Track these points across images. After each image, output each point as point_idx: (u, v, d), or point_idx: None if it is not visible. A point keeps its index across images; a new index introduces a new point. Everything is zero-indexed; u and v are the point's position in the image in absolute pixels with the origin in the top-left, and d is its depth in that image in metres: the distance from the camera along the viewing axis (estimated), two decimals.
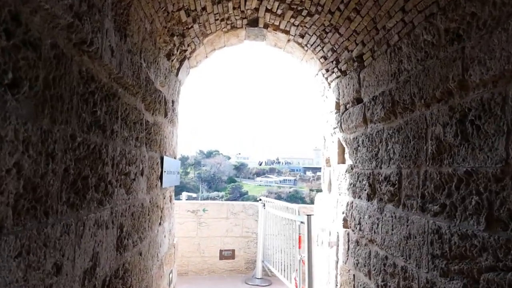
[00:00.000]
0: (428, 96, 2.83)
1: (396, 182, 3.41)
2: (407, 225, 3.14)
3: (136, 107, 3.25)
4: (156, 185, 4.31)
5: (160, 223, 4.75)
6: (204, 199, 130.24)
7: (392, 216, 3.47)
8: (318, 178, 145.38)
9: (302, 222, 5.53)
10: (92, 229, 2.22)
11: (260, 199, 8.28)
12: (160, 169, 4.52)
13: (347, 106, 4.97)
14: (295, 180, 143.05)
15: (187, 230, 8.19)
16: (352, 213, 4.59)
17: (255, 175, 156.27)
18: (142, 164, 3.50)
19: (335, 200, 5.36)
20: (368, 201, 4.12)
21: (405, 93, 3.22)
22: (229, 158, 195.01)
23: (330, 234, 5.47)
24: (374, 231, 3.89)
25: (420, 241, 2.92)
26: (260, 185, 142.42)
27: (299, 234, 5.78)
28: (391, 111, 3.52)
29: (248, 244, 8.46)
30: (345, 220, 4.89)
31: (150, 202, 3.98)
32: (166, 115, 4.76)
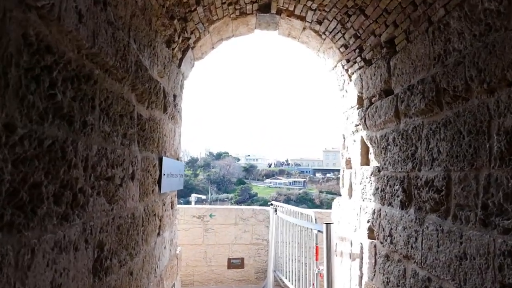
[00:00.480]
0: (494, 79, 2.19)
1: (443, 188, 2.76)
2: (461, 242, 2.50)
3: (123, 97, 2.65)
4: (152, 190, 3.72)
5: (158, 234, 4.15)
6: (213, 201, 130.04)
7: (437, 230, 2.83)
8: (328, 180, 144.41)
9: (319, 231, 4.90)
10: (49, 255, 1.62)
11: (271, 204, 7.66)
12: (158, 172, 3.93)
13: (373, 100, 4.34)
14: (304, 182, 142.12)
15: (192, 237, 7.59)
16: (380, 222, 3.95)
17: (264, 177, 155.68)
18: (132, 167, 2.91)
19: (357, 206, 4.72)
20: (402, 209, 3.47)
21: (456, 78, 2.58)
22: (238, 159, 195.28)
23: (351, 245, 4.83)
24: (411, 246, 3.25)
25: (481, 264, 2.28)
26: (269, 186, 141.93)
27: (316, 244, 5.14)
28: (435, 101, 2.88)
29: (259, 252, 7.84)
30: (370, 229, 4.26)
31: (144, 210, 3.38)
32: (165, 110, 4.17)
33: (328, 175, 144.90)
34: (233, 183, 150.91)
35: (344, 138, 5.54)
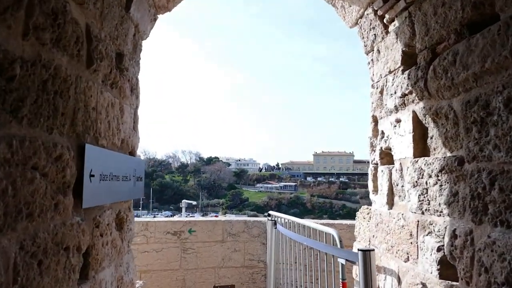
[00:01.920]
0: None
1: None
2: None
3: None
4: (55, 205, 1.94)
5: (85, 276, 2.38)
6: (204, 206, 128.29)
7: None
8: (319, 184, 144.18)
9: (348, 261, 3.15)
10: None
11: (269, 214, 5.90)
12: (73, 171, 2.14)
13: (441, 48, 2.60)
14: (295, 185, 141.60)
15: (166, 260, 5.79)
16: (474, 254, 2.20)
17: (255, 182, 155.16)
18: None
19: (411, 222, 2.98)
20: None
21: None
22: (229, 164, 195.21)
23: (400, 283, 3.08)
24: None
25: None
26: (260, 191, 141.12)
27: (343, 280, 3.37)
28: None
29: (253, 278, 6.06)
30: (445, 263, 2.51)
31: (22, 248, 1.60)
32: (90, 64, 2.40)
33: (319, 178, 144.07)
34: (224, 188, 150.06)
35: (377, 120, 3.81)
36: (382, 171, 3.60)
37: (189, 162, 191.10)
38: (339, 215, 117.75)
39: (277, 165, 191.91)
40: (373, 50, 3.82)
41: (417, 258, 2.84)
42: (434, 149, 2.78)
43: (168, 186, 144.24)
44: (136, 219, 6.07)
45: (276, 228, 5.33)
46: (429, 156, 2.85)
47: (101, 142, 2.70)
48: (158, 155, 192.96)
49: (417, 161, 2.92)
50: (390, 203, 3.42)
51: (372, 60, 3.89)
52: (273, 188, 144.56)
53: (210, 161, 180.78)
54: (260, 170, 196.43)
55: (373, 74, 3.87)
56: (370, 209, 3.95)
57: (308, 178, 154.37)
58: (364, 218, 4.05)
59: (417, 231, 2.86)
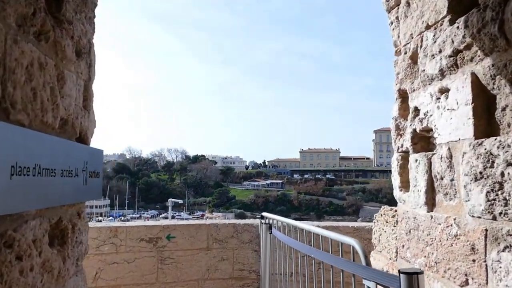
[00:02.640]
0: None
1: None
2: None
3: None
4: None
5: None
6: (191, 205, 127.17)
7: None
8: (306, 181, 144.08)
9: (380, 285, 2.25)
10: None
11: (262, 217, 4.97)
12: None
13: None
14: (282, 183, 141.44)
15: (140, 272, 4.84)
16: None
17: (242, 179, 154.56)
18: None
19: (472, 230, 2.09)
20: None
21: None
22: (215, 162, 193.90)
23: None
24: None
25: None
26: (247, 189, 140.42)
27: None
28: None
29: None
30: None
31: None
32: None
33: (306, 175, 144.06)
34: (210, 187, 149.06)
35: (406, 95, 2.92)
36: (416, 160, 2.71)
37: (175, 161, 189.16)
38: (326, 212, 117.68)
39: (264, 162, 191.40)
40: (399, 4, 2.93)
41: (486, 283, 1.96)
42: (509, 125, 1.90)
43: (154, 185, 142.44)
44: (102, 224, 5.08)
45: (271, 233, 4.42)
46: (498, 135, 1.97)
47: (16, 117, 1.75)
48: (144, 154, 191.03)
49: (481, 144, 2.03)
50: (431, 204, 2.53)
51: (397, 18, 3.00)
52: (260, 185, 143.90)
53: (196, 159, 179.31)
54: (247, 167, 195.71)
55: (399, 36, 2.98)
56: (396, 210, 3.07)
57: (295, 175, 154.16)
58: (387, 222, 3.16)
59: (485, 245, 1.98)
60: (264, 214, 4.90)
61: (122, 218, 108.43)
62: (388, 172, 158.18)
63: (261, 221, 4.90)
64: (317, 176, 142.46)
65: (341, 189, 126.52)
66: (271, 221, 4.52)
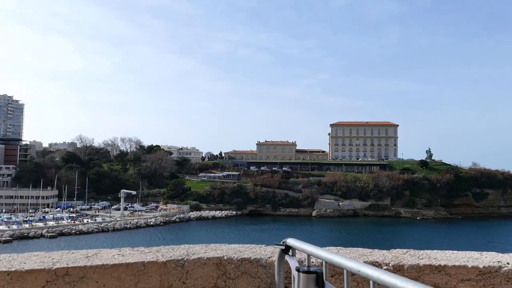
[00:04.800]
0: None
1: None
2: None
3: None
4: None
5: None
6: (144, 196, 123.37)
7: None
8: (263, 173, 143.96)
9: None
10: None
11: (287, 248, 2.11)
12: None
13: None
14: (239, 175, 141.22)
15: None
16: None
17: (198, 171, 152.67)
18: None
19: None
20: None
21: None
22: (171, 153, 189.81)
23: None
24: None
25: None
26: (203, 180, 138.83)
27: None
28: None
29: None
30: None
31: None
32: None
33: (262, 168, 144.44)
34: (165, 178, 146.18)
35: None
36: None
37: (129, 150, 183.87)
38: (282, 204, 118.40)
39: (220, 154, 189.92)
40: None
41: None
42: None
43: (106, 175, 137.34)
44: None
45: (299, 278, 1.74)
46: None
47: None
48: (96, 143, 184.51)
49: None
50: None
51: None
52: (216, 177, 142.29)
53: (151, 149, 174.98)
54: (203, 159, 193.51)
55: None
56: None
57: (251, 168, 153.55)
58: None
59: None
60: (291, 242, 2.10)
61: (71, 209, 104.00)
62: (343, 165, 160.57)
63: (288, 257, 2.10)
64: (273, 168, 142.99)
65: (297, 182, 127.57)
66: (303, 256, 1.97)
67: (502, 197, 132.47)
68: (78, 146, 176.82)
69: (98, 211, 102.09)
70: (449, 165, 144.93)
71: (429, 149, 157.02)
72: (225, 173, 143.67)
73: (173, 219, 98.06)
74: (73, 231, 76.35)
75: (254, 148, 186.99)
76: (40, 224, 78.95)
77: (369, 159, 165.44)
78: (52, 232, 73.36)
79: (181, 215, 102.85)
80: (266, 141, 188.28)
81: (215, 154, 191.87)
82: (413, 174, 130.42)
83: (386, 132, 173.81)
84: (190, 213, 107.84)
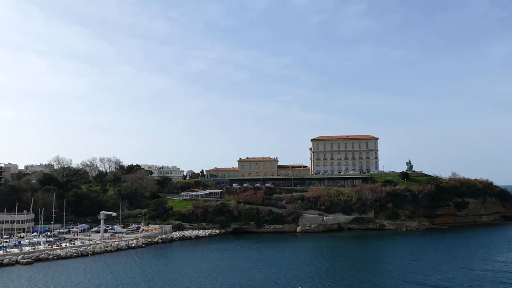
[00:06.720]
0: None
1: None
2: None
3: None
4: None
5: None
6: (125, 217, 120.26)
7: None
8: (245, 190, 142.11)
9: None
10: None
11: None
12: None
13: None
14: (221, 192, 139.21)
15: None
16: None
17: (179, 189, 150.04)
18: None
19: None
20: None
21: None
22: (151, 172, 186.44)
23: None
24: None
25: None
26: (185, 199, 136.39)
27: None
28: None
29: None
30: None
31: None
32: None
33: (245, 185, 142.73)
34: (146, 198, 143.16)
35: None
36: None
37: (108, 171, 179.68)
38: (266, 221, 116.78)
39: (202, 172, 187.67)
40: None
41: None
42: None
43: (84, 196, 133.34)
44: None
45: None
46: None
47: None
48: (74, 164, 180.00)
49: None
50: None
51: None
52: (198, 195, 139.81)
53: (131, 169, 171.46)
54: (185, 177, 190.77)
55: None
56: None
57: (234, 185, 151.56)
58: None
59: None
60: None
61: (48, 233, 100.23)
62: (325, 179, 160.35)
63: None
64: (256, 185, 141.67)
65: (280, 198, 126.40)
66: None
67: (483, 205, 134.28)
68: (55, 168, 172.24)
69: (77, 234, 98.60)
70: (430, 175, 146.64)
71: (409, 160, 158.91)
72: (208, 191, 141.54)
73: (155, 240, 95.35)
74: (51, 256, 73.15)
75: (236, 165, 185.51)
76: (15, 250, 75.43)
77: (351, 172, 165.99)
78: (28, 258, 70.08)
79: (164, 236, 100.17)
80: (247, 157, 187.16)
81: (196, 172, 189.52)
82: (395, 186, 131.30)
83: (367, 145, 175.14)
84: (173, 233, 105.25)
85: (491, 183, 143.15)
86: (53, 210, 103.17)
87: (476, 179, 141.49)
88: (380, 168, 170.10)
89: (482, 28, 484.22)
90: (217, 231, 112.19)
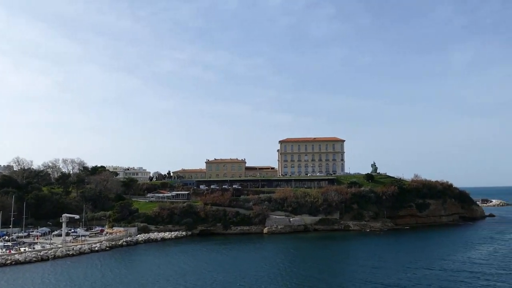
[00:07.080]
0: None
1: None
2: None
3: None
4: None
5: None
6: (89, 220, 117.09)
7: None
8: (213, 191, 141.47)
9: None
10: None
11: None
12: None
13: None
14: (188, 194, 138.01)
15: None
16: None
17: (145, 191, 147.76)
18: None
19: None
20: None
21: None
22: (116, 174, 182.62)
23: None
24: None
25: None
26: (151, 201, 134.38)
27: None
28: None
29: None
30: None
31: None
32: None
33: (212, 186, 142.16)
34: (111, 200, 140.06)
35: None
36: None
37: (71, 172, 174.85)
38: (233, 223, 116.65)
39: (169, 173, 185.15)
40: None
41: None
42: None
43: (46, 199, 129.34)
44: None
45: None
46: None
47: None
48: (35, 165, 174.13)
49: None
50: None
51: None
52: (164, 197, 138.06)
53: (96, 170, 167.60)
54: (151, 179, 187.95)
55: None
56: None
57: (201, 186, 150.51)
58: None
59: None
60: None
61: (6, 237, 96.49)
62: (292, 181, 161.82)
63: None
64: (223, 186, 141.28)
65: (248, 199, 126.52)
66: None
67: (442, 206, 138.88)
68: (15, 169, 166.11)
69: (37, 238, 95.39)
70: (393, 177, 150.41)
71: (374, 162, 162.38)
72: (174, 192, 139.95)
73: (119, 243, 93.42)
74: (8, 261, 70.47)
75: (203, 166, 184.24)
76: None
77: (318, 174, 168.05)
78: None
79: (128, 239, 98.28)
80: (215, 159, 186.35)
81: (163, 173, 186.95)
82: (360, 188, 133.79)
83: (333, 147, 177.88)
84: (138, 235, 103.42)
85: (451, 185, 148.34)
86: (12, 213, 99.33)
87: (437, 181, 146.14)
88: (346, 170, 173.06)
89: (446, 35, 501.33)
90: (184, 233, 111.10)
